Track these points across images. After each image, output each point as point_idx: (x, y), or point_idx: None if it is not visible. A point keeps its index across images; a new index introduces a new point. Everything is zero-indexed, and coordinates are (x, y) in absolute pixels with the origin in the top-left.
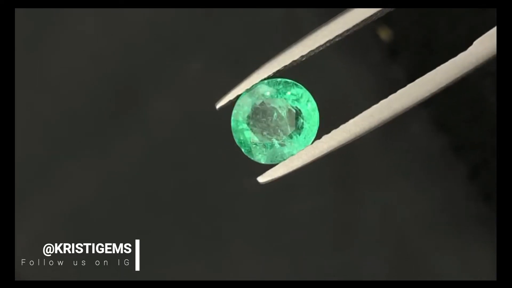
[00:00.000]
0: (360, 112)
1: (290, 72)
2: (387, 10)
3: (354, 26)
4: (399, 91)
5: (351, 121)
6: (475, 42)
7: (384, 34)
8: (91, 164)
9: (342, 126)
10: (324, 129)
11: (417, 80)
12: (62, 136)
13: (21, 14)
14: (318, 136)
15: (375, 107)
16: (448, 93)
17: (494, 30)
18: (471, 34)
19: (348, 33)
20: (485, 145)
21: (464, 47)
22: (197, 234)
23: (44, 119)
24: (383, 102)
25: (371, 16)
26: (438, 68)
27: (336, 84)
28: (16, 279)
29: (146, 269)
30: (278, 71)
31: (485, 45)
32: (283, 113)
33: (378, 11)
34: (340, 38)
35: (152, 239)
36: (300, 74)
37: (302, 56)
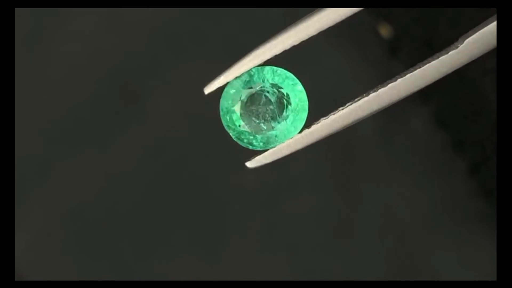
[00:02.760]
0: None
1: (286, 66)
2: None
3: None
4: (389, 85)
5: (340, 112)
6: (466, 41)
7: (384, 30)
8: (92, 161)
9: (332, 116)
10: (321, 119)
11: (407, 75)
12: (62, 133)
13: (21, 11)
14: (309, 126)
15: (363, 99)
16: (448, 90)
17: (484, 29)
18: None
19: (339, 21)
20: (485, 141)
21: None
22: (197, 231)
23: (45, 116)
24: (372, 94)
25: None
26: (428, 64)
27: (335, 80)
28: (16, 279)
29: (145, 266)
30: (268, 60)
31: (476, 44)
32: (272, 99)
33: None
34: (330, 26)
35: (152, 236)
36: (299, 71)
37: (293, 49)
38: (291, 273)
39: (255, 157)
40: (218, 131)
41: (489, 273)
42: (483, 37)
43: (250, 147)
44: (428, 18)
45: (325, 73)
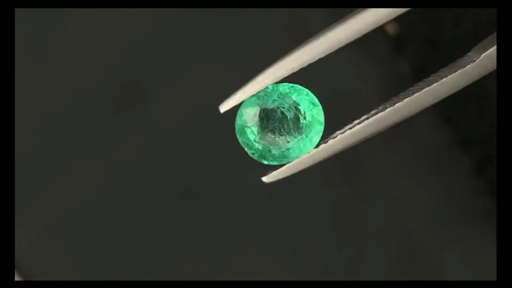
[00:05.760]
0: (365, 108)
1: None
2: (399, 11)
3: (365, 29)
4: (405, 100)
5: (358, 127)
6: (482, 56)
7: (391, 28)
8: (96, 160)
9: (348, 132)
10: (329, 124)
11: (424, 90)
12: (66, 131)
13: (25, 10)
14: (325, 135)
15: (381, 114)
16: None
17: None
18: (477, 29)
19: (359, 36)
20: (490, 140)
21: (469, 42)
22: (202, 230)
23: (48, 114)
24: (389, 109)
25: (382, 18)
26: (445, 79)
27: (341, 79)
28: (19, 278)
29: (148, 266)
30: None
31: (492, 59)
32: (288, 115)
33: (390, 13)
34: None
35: (157, 234)
36: (304, 70)
37: (311, 64)
38: (296, 271)
39: (271, 171)
40: (223, 130)
41: (494, 272)
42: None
43: (266, 162)
44: (433, 16)
45: (331, 71)
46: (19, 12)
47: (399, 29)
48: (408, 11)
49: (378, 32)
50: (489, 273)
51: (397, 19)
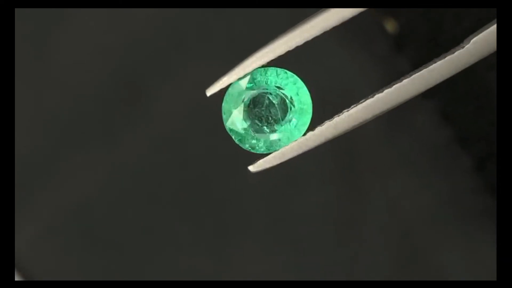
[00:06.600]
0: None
1: (290, 62)
2: None
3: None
4: (394, 87)
5: (345, 114)
6: (472, 41)
7: (391, 25)
8: (96, 159)
9: (336, 118)
10: (326, 120)
11: (413, 76)
12: (66, 131)
13: (25, 10)
14: (313, 128)
15: (369, 101)
16: (454, 85)
17: (490, 29)
18: (477, 27)
19: (343, 21)
20: (490, 137)
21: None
22: (201, 229)
23: (50, 113)
24: (378, 96)
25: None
26: (434, 65)
27: (340, 77)
28: (20, 277)
29: (148, 265)
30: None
31: (482, 43)
32: (275, 101)
33: None
34: (336, 25)
35: (157, 233)
36: (303, 68)
37: (298, 47)
38: (296, 271)
39: (258, 161)
40: (223, 128)
41: (494, 272)
42: (489, 37)
43: (252, 150)
44: (433, 14)
45: (330, 69)
46: (19, 12)
47: (399, 27)
48: (409, 9)
49: (378, 30)
50: (489, 273)
51: (397, 17)
